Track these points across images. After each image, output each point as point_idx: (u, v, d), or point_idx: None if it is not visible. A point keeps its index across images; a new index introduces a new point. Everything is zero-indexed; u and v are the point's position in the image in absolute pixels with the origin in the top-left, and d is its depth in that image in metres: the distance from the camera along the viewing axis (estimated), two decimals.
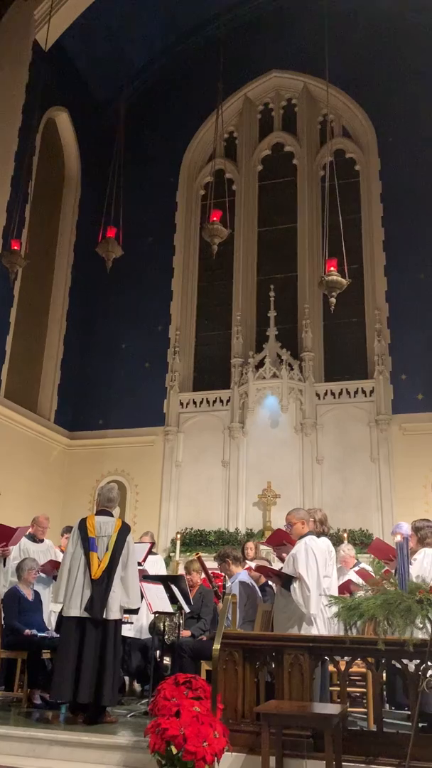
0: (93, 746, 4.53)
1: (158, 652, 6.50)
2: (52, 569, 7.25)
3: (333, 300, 7.42)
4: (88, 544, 5.43)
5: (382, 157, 14.26)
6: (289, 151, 15.45)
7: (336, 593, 5.47)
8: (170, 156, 15.46)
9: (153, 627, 6.42)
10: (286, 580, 5.28)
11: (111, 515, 5.68)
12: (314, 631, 5.10)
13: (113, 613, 5.27)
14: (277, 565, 6.83)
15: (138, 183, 14.50)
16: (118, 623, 5.37)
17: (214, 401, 13.66)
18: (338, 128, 15.14)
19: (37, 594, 6.88)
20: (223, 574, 6.59)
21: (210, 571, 7.23)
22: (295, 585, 5.17)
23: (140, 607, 6.07)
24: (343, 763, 4.09)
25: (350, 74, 14.00)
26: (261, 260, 14.82)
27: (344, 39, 13.58)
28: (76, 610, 5.27)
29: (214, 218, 7.50)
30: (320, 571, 5.23)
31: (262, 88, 15.89)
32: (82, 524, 5.58)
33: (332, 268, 7.47)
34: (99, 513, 5.70)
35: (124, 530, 5.55)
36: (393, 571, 5.57)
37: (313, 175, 14.97)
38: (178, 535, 12.06)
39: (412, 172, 13.70)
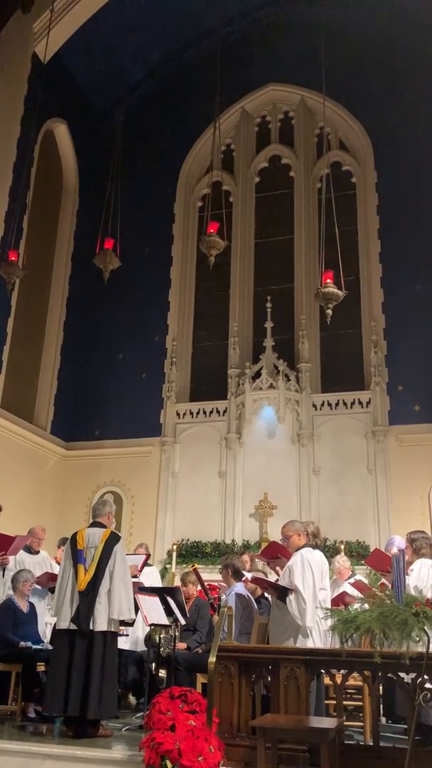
0: (87, 761, 4.48)
1: (154, 664, 6.46)
2: (47, 581, 7.23)
3: (329, 311, 7.46)
4: (76, 557, 5.42)
5: (379, 169, 14.32)
6: (286, 163, 15.53)
7: (329, 606, 5.45)
8: (168, 167, 15.52)
9: (148, 639, 6.38)
10: (282, 592, 5.26)
11: (103, 526, 5.63)
12: (310, 644, 5.08)
13: (99, 624, 5.21)
14: (273, 577, 6.81)
15: (135, 194, 14.55)
16: (109, 635, 5.28)
17: (211, 412, 13.63)
18: (335, 141, 15.23)
19: (32, 606, 6.84)
20: (218, 586, 6.57)
21: (206, 583, 7.21)
22: (291, 597, 5.15)
23: (136, 619, 6.03)
24: None
25: (347, 87, 14.08)
26: (258, 271, 14.85)
27: (341, 52, 13.68)
28: (65, 623, 5.25)
29: (212, 230, 7.54)
30: (316, 584, 5.21)
31: (259, 101, 15.98)
32: (73, 537, 5.60)
33: (329, 280, 7.51)
34: (92, 525, 5.69)
35: (111, 540, 5.49)
36: (389, 583, 5.55)
37: (310, 188, 15.05)
38: (174, 547, 12.02)
39: (409, 184, 13.77)
